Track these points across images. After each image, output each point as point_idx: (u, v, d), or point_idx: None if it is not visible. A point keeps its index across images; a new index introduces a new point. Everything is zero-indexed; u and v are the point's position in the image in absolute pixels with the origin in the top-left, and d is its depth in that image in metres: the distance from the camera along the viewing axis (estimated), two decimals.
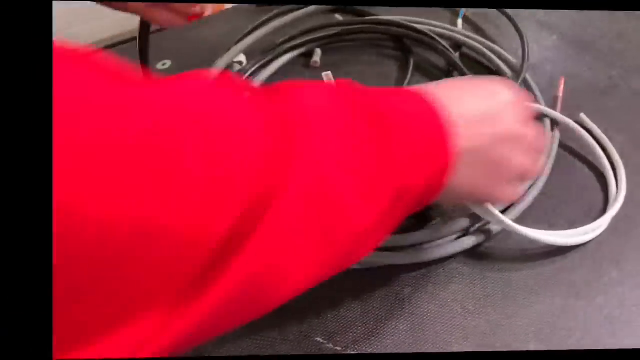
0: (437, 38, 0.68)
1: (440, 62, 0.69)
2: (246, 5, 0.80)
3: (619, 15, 0.75)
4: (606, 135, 0.55)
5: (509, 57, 0.65)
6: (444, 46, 0.67)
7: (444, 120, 0.31)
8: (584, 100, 0.61)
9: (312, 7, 0.72)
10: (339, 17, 0.76)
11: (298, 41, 0.70)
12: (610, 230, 0.47)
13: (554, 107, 0.59)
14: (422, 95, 0.32)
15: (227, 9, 0.82)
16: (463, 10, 0.75)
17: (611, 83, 0.64)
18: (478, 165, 0.33)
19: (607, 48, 0.69)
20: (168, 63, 0.70)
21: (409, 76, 0.67)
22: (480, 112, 0.33)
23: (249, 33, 0.70)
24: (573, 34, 0.72)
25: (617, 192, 0.50)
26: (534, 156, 0.37)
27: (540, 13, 0.76)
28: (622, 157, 0.53)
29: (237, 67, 0.68)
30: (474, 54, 0.69)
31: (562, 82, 0.62)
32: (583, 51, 0.69)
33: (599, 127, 0.56)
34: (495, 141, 0.34)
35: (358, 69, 0.70)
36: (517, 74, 0.63)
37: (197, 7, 0.53)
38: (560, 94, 0.61)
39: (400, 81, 0.67)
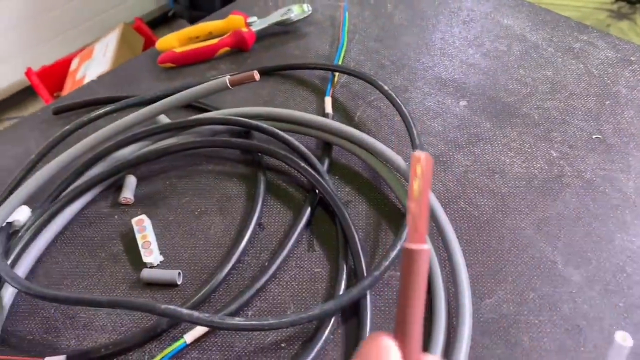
0: (293, 143, 0.49)
1: (302, 178, 0.50)
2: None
3: None
4: None
5: (394, 157, 0.46)
6: (303, 158, 0.48)
7: None
8: None
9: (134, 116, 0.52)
10: (164, 118, 0.55)
11: (100, 169, 0.49)
12: None
13: None
14: None
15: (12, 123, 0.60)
16: (330, 89, 0.56)
17: None
18: None
19: None
20: None
21: (259, 205, 0.47)
22: None
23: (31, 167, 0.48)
24: None
25: None
26: None
27: None
28: None
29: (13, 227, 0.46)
30: (349, 159, 0.50)
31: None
32: None
33: None
34: None
35: (185, 201, 0.49)
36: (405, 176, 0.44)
37: None
38: None
39: (246, 214, 0.47)
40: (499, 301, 0.40)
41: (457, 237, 0.41)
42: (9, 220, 0.46)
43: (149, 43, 1.80)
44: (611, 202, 0.44)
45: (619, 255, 0.41)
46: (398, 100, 0.51)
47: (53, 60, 1.79)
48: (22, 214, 0.47)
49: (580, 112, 0.51)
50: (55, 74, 1.77)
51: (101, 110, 0.56)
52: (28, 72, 1.73)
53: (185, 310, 0.36)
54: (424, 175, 0.19)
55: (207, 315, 0.36)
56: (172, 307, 0.36)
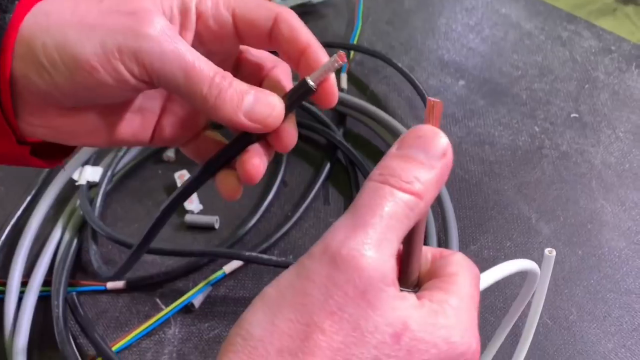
0: (314, 111, 0.57)
1: (322, 140, 0.58)
2: None
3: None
4: None
5: (401, 128, 0.55)
6: (323, 124, 0.56)
7: None
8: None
9: None
10: None
11: None
12: None
13: None
14: None
15: None
16: (346, 65, 0.64)
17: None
18: None
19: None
20: None
21: (283, 165, 0.56)
22: None
23: None
24: None
25: None
26: None
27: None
28: None
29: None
30: (360, 129, 0.58)
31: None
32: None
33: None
34: None
35: None
36: None
37: None
38: None
39: (272, 173, 0.56)
40: (481, 247, 0.48)
41: (450, 196, 0.50)
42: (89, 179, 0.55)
43: None
44: (580, 171, 0.52)
45: (582, 214, 0.49)
46: (411, 76, 0.58)
47: None
48: (96, 174, 0.55)
49: (562, 94, 0.59)
50: None
51: None
52: None
53: (265, 256, 0.47)
54: (437, 115, 0.23)
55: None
56: (254, 254, 0.47)
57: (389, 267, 0.21)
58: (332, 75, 0.28)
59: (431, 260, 0.25)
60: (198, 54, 0.26)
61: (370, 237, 0.20)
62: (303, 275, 0.20)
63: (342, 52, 0.27)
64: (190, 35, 0.27)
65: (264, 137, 0.29)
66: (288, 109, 0.28)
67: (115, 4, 0.26)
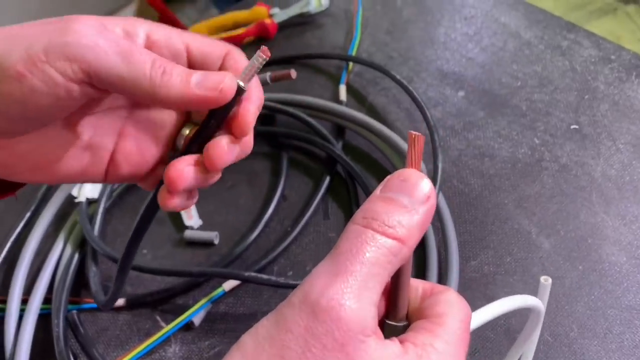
0: (314, 124, 0.57)
1: (321, 153, 0.58)
2: None
3: None
4: None
5: (399, 141, 0.54)
6: (322, 137, 0.56)
7: None
8: None
9: None
10: None
11: None
12: None
13: None
14: None
15: None
16: (345, 77, 0.64)
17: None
18: None
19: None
20: None
21: (282, 179, 0.56)
22: None
23: None
24: None
25: None
26: None
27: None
28: None
29: None
30: (359, 142, 0.58)
31: None
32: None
33: None
34: None
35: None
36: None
37: None
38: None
39: (271, 187, 0.56)
40: (481, 263, 0.48)
41: (450, 210, 0.50)
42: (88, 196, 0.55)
43: (163, 18, 1.86)
44: (580, 184, 0.52)
45: (582, 228, 0.49)
46: (410, 88, 0.58)
47: None
48: (96, 190, 0.55)
49: (562, 105, 0.59)
50: None
51: None
52: None
53: (264, 276, 0.46)
54: (419, 148, 0.23)
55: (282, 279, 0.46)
56: (253, 274, 0.46)
57: (370, 316, 0.20)
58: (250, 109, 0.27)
59: (421, 296, 0.24)
60: (131, 42, 0.25)
61: (351, 285, 0.20)
62: (281, 325, 0.20)
63: (264, 47, 0.26)
64: None
65: (223, 124, 0.28)
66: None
67: (47, 20, 0.25)
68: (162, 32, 0.27)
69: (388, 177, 0.23)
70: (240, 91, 0.27)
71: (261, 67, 0.27)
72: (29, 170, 0.27)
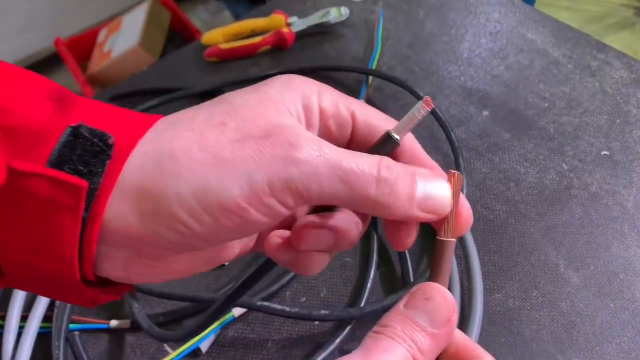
0: None
1: None
2: None
3: None
4: None
5: None
6: None
7: None
8: None
9: None
10: None
11: None
12: None
13: None
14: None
15: None
16: (364, 91, 0.62)
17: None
18: None
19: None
20: None
21: None
22: None
23: None
24: None
25: None
26: None
27: None
28: None
29: None
30: None
31: None
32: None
33: None
34: None
35: None
36: None
37: None
38: None
39: None
40: (506, 296, 0.46)
41: (473, 238, 0.47)
42: None
43: (175, 19, 1.84)
44: (612, 214, 0.49)
45: (614, 262, 0.46)
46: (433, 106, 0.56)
47: (79, 28, 1.83)
48: None
49: (592, 129, 0.56)
50: (82, 44, 1.82)
51: (154, 101, 0.62)
52: (57, 42, 1.78)
53: (278, 306, 0.44)
54: (457, 186, 0.23)
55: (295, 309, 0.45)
56: (266, 303, 0.44)
57: None
58: (463, 200, 0.25)
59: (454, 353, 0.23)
60: (349, 152, 0.22)
61: None
62: None
63: (428, 97, 0.24)
64: (315, 133, 0.24)
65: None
66: None
67: (243, 126, 0.22)
68: (329, 99, 0.24)
69: (413, 289, 0.23)
70: (394, 145, 0.24)
71: (422, 119, 0.24)
72: (166, 274, 0.25)
